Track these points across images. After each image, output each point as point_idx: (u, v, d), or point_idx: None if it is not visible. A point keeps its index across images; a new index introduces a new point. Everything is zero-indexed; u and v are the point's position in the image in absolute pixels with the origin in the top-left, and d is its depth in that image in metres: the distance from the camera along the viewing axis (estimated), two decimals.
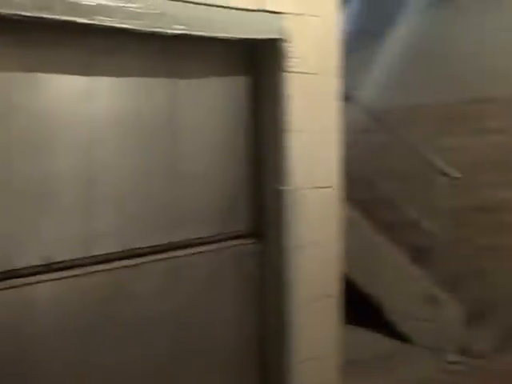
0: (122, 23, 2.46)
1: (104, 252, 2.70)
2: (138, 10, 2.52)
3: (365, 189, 5.19)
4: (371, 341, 4.82)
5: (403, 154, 5.22)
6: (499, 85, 5.39)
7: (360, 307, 5.02)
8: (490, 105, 5.45)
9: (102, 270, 2.68)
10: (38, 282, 2.49)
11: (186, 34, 2.73)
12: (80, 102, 2.59)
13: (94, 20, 2.39)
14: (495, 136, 5.44)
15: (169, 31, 2.66)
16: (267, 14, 3.05)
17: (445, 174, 4.63)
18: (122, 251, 2.77)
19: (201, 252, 3.05)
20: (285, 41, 3.13)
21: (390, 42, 6.05)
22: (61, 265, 2.56)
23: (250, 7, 2.96)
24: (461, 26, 5.58)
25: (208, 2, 2.76)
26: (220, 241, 3.15)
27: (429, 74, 5.76)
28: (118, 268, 2.74)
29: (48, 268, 2.53)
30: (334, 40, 3.46)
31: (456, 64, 5.60)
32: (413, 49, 5.91)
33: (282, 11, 3.10)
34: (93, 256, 2.66)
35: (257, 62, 3.25)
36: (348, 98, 4.96)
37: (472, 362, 4.39)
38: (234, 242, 3.20)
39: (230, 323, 3.19)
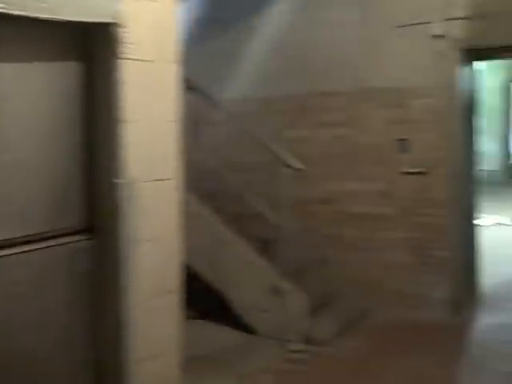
0: None
1: None
2: None
3: (212, 181, 5.15)
4: (218, 334, 4.79)
5: (251, 146, 5.22)
6: (344, 79, 5.55)
7: (208, 301, 4.99)
8: (335, 98, 5.60)
9: None
10: None
11: (5, 14, 2.50)
12: None
13: None
14: (340, 129, 5.61)
15: None
16: None
17: (289, 166, 4.67)
18: None
19: (27, 251, 2.83)
20: (119, 25, 2.98)
21: (241, 32, 6.01)
22: None
23: None
24: (310, 20, 5.67)
25: None
26: (50, 238, 2.94)
27: (278, 66, 5.81)
28: None
29: None
30: (174, 27, 3.35)
31: (305, 57, 5.70)
32: (263, 40, 5.92)
33: None
34: None
35: (90, 47, 3.07)
36: (194, 88, 4.89)
37: (314, 349, 4.49)
38: (66, 239, 3.00)
39: (61, 325, 2.99)
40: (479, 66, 5.72)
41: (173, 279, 3.38)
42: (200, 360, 4.13)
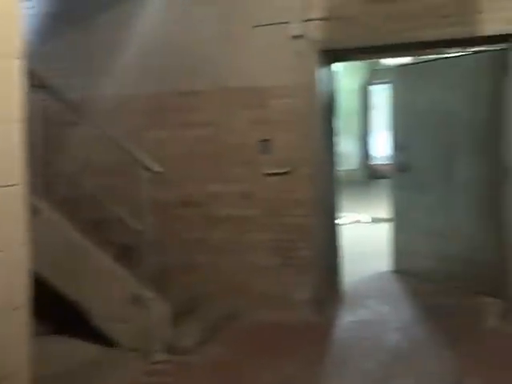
0: None
1: None
2: None
3: (67, 186, 4.85)
4: (74, 350, 4.48)
5: (109, 148, 4.96)
6: (206, 78, 5.43)
7: (64, 314, 4.68)
8: (196, 98, 5.47)
9: None
10: None
11: None
12: None
13: None
14: (202, 130, 5.48)
15: None
16: None
17: (148, 169, 4.48)
18: None
19: None
20: None
21: (97, 28, 5.70)
22: None
23: None
24: (170, 16, 5.49)
25: None
26: None
27: (137, 64, 5.58)
28: None
29: None
30: (17, 19, 3.05)
31: (166, 54, 5.50)
32: (120, 36, 5.64)
33: None
34: None
35: None
36: (45, 86, 4.58)
37: (178, 359, 4.32)
38: None
39: None
40: (337, 67, 5.83)
41: (20, 294, 3.08)
42: (54, 379, 3.84)
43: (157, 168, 4.51)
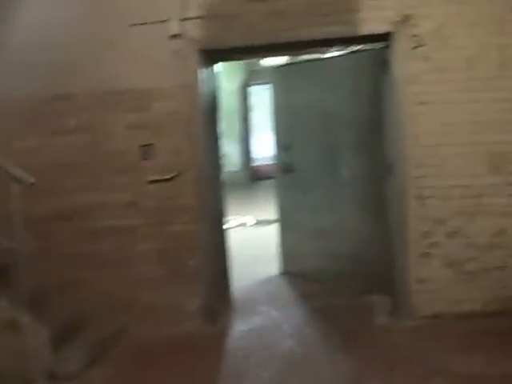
0: None
1: None
2: None
3: None
4: None
5: None
6: (78, 80, 5.07)
7: None
8: (70, 101, 5.09)
9: None
10: None
11: None
12: None
13: None
14: (77, 136, 5.14)
15: None
16: None
17: (19, 181, 4.09)
18: None
19: None
20: None
21: None
22: None
23: None
24: (37, 16, 5.08)
25: None
26: None
27: (1, 67, 5.12)
28: None
29: None
30: None
31: (33, 57, 5.07)
32: None
33: None
34: None
35: None
36: None
37: None
38: None
39: None
40: (218, 68, 5.66)
41: None
42: None
43: (29, 179, 4.13)
